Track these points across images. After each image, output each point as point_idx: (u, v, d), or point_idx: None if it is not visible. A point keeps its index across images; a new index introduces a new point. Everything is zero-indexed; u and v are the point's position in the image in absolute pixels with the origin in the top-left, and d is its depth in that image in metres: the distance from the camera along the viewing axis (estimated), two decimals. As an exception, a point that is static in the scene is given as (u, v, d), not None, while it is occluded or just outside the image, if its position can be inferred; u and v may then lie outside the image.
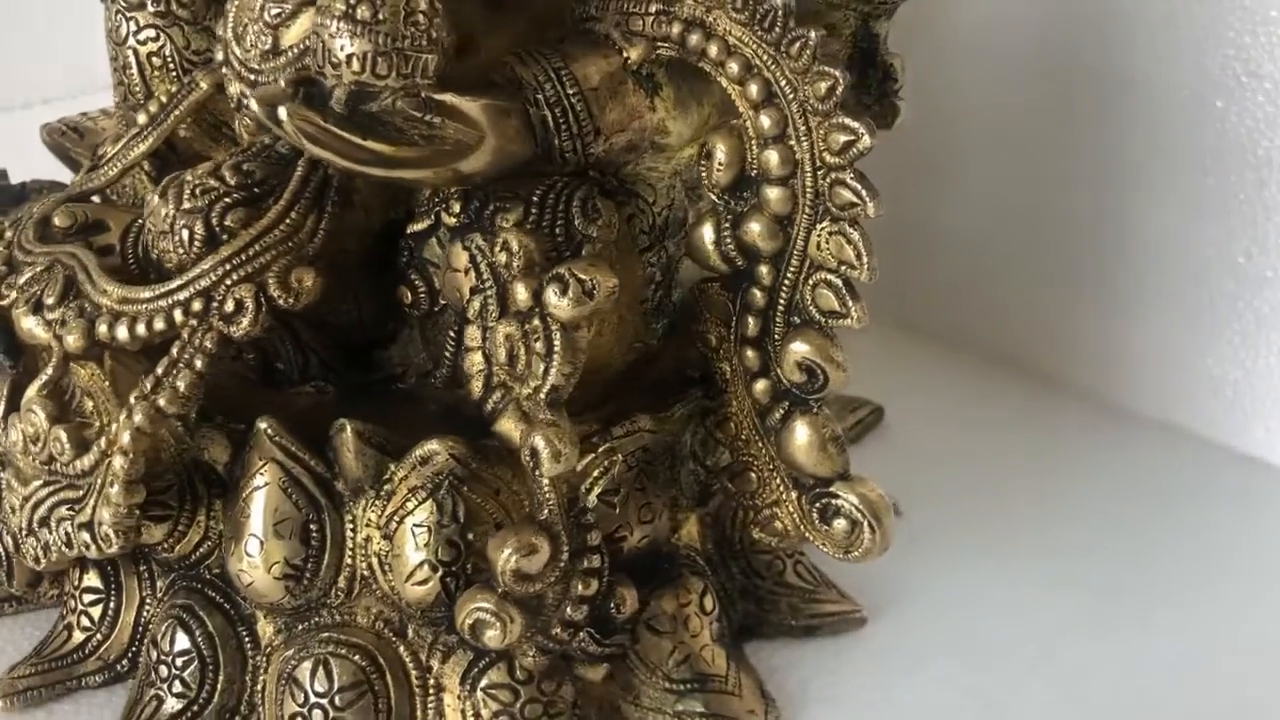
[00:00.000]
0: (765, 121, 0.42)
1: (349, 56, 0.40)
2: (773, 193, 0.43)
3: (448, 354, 0.46)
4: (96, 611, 0.50)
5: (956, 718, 0.50)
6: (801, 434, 0.45)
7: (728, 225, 0.44)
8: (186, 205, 0.45)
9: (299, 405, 0.50)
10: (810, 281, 0.43)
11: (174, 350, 0.44)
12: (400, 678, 0.46)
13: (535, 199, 0.44)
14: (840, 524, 0.45)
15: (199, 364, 0.43)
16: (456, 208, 0.45)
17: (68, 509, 0.46)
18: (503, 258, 0.42)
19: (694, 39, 0.43)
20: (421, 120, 0.41)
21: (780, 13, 0.41)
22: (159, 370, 0.44)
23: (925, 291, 0.74)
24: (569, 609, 0.44)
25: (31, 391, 0.47)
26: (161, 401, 0.43)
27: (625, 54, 0.44)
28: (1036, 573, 0.57)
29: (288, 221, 0.45)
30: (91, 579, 0.50)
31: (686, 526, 0.50)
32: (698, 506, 0.51)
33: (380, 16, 0.40)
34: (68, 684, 0.49)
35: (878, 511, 0.44)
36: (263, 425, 0.45)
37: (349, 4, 0.40)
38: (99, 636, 0.50)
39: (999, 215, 0.71)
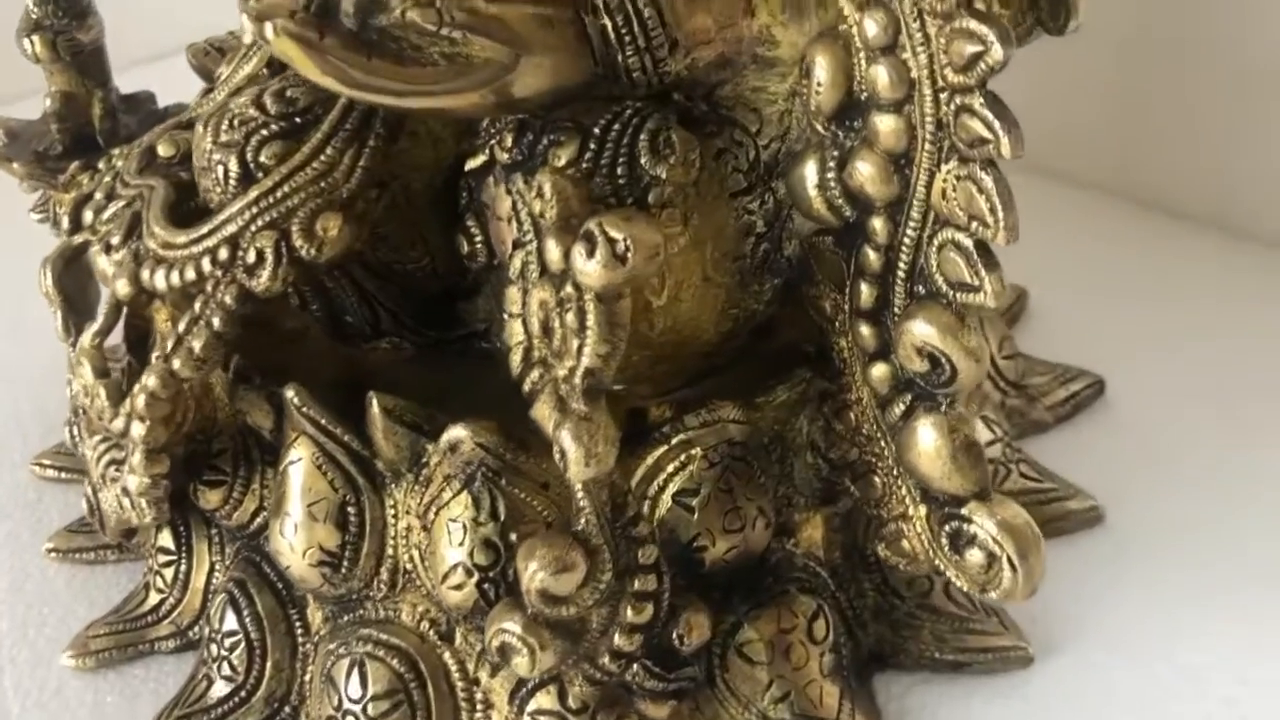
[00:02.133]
0: (872, 26, 0.31)
1: (349, -40, 0.33)
2: (884, 122, 0.32)
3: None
4: (169, 574, 0.47)
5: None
6: (926, 438, 0.34)
7: (833, 164, 0.34)
8: (224, 138, 0.40)
9: (369, 363, 0.45)
10: (935, 241, 0.33)
11: (196, 305, 0.39)
12: (443, 689, 0.40)
13: (597, 130, 0.35)
14: (974, 555, 0.35)
15: (216, 322, 0.38)
16: (509, 141, 0.37)
17: (115, 470, 0.43)
18: (537, 205, 0.34)
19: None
20: (439, 35, 0.33)
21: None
22: (180, 327, 0.39)
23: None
24: (618, 637, 0.36)
25: (84, 340, 0.43)
26: (176, 364, 0.38)
27: (713, -59, 0.34)
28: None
29: (321, 158, 0.39)
30: (165, 538, 0.47)
31: (807, 530, 0.41)
32: (822, 505, 0.41)
33: (385, -93, 0.32)
34: (140, 647, 0.46)
35: (1022, 546, 0.34)
36: (290, 394, 0.39)
37: (351, -105, 0.32)
38: (171, 600, 0.47)
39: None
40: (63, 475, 0.55)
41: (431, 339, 0.45)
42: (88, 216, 0.49)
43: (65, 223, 0.52)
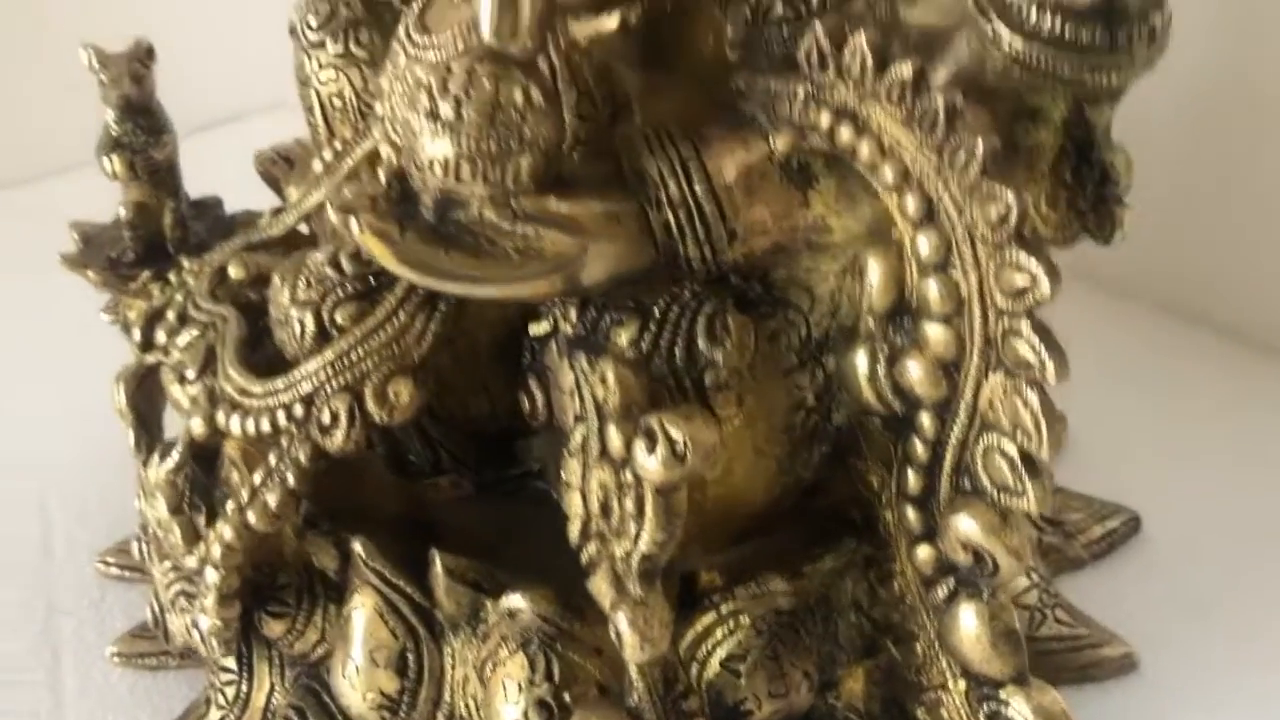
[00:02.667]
0: (925, 244, 0.33)
1: (431, 160, 0.35)
2: (934, 330, 0.34)
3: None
4: (230, 692, 0.48)
5: None
6: (968, 623, 0.36)
7: (884, 358, 0.36)
8: (301, 296, 0.42)
9: (430, 499, 0.46)
10: (981, 443, 0.34)
11: (271, 458, 0.41)
12: (494, 833, 0.41)
13: (657, 312, 0.37)
14: (1011, 736, 0.36)
15: (291, 479, 0.40)
16: (573, 314, 0.39)
17: (185, 601, 0.45)
18: (600, 391, 0.36)
19: (844, 134, 0.34)
20: (513, 231, 0.35)
21: (943, 114, 0.31)
22: (256, 478, 0.41)
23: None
24: (665, 800, 0.37)
25: (159, 474, 0.45)
26: (252, 518, 0.40)
27: (771, 141, 0.36)
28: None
29: (394, 323, 0.40)
30: (227, 659, 0.48)
31: (848, 683, 0.42)
32: (864, 658, 0.42)
33: (465, 115, 0.34)
34: (200, 762, 0.48)
35: (1058, 733, 0.35)
36: (357, 548, 0.41)
37: (433, 99, 0.34)
38: (232, 717, 0.48)
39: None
40: (126, 574, 0.57)
41: (490, 478, 0.46)
42: (160, 336, 0.51)
43: (137, 335, 0.54)
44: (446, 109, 0.34)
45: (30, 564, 0.58)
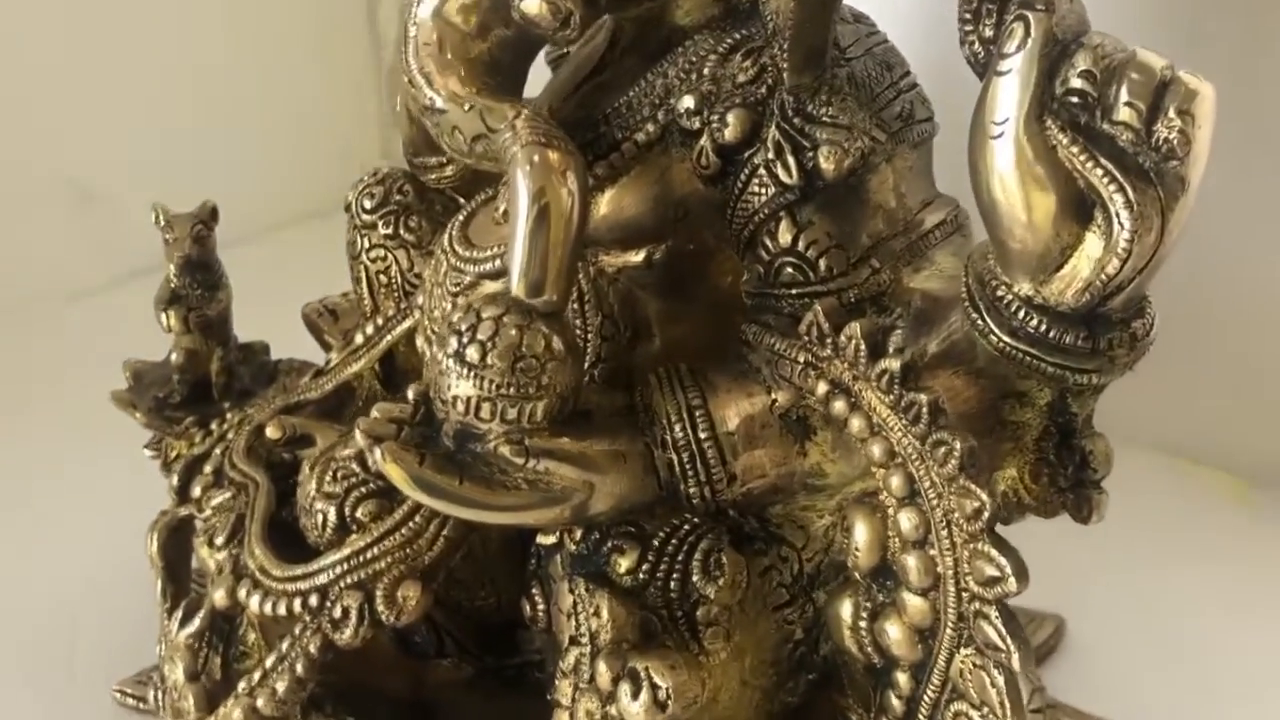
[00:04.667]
0: (905, 522, 0.35)
1: (454, 397, 0.37)
2: (912, 601, 0.36)
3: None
4: None
5: None
6: None
7: (866, 613, 0.38)
8: (326, 488, 0.45)
9: (431, 680, 0.48)
10: (951, 709, 0.36)
11: (283, 646, 0.43)
12: None
13: (656, 543, 0.39)
14: None
15: (300, 669, 0.42)
16: (579, 534, 0.41)
17: (193, 763, 0.47)
18: (594, 624, 0.38)
19: (838, 406, 0.36)
20: (524, 466, 0.38)
21: (926, 409, 0.33)
22: (268, 663, 0.43)
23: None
24: None
25: (179, 638, 0.48)
26: (259, 703, 0.42)
27: (773, 395, 0.39)
28: None
29: (410, 525, 0.43)
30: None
31: None
32: None
33: (489, 360, 0.37)
34: None
35: None
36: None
37: (461, 342, 0.37)
38: None
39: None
40: (141, 707, 0.59)
41: (491, 664, 0.48)
42: (196, 490, 0.54)
43: (175, 480, 0.57)
44: (473, 353, 0.37)
45: (52, 685, 0.61)
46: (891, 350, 0.37)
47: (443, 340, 0.38)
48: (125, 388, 0.63)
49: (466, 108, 0.39)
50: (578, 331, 0.43)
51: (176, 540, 0.55)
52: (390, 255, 0.57)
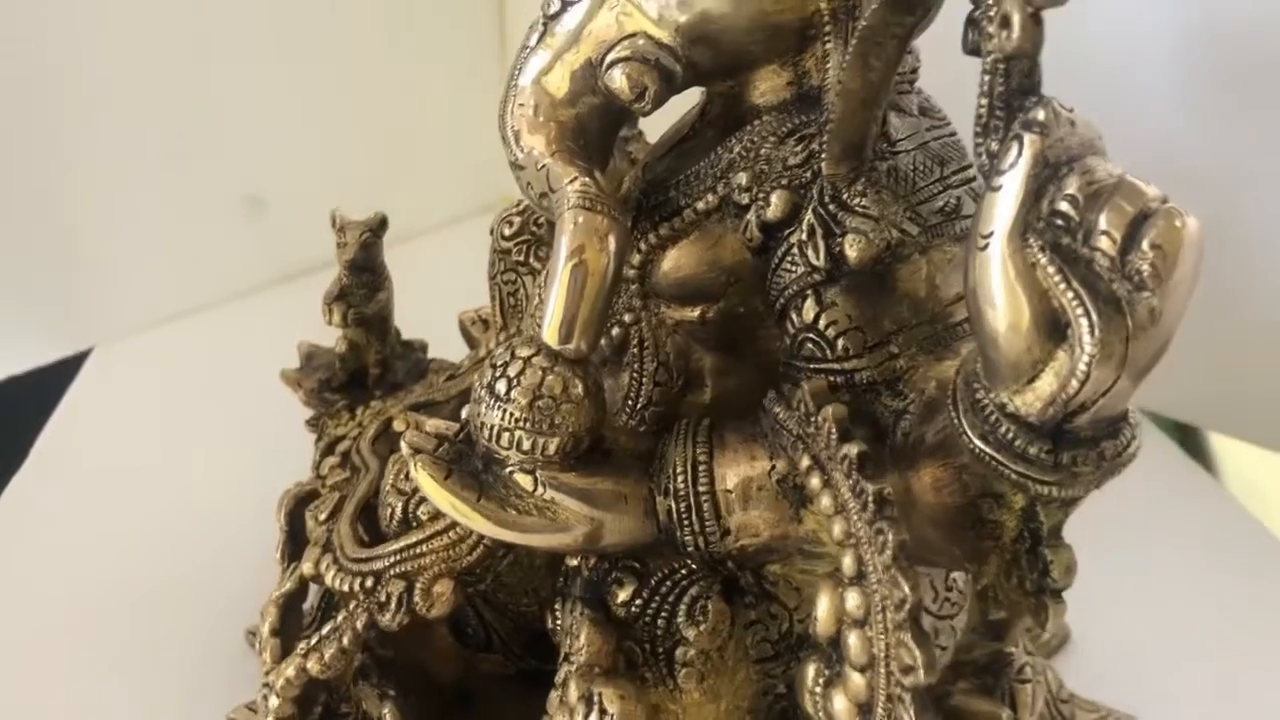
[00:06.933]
0: (850, 600, 0.37)
1: (482, 424, 0.42)
2: (853, 676, 0.37)
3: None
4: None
5: None
6: None
7: (824, 678, 0.40)
8: (399, 484, 0.50)
9: (480, 670, 0.53)
10: (879, 785, 0.37)
11: (339, 618, 0.49)
12: None
13: (654, 581, 0.43)
14: None
15: (346, 640, 0.48)
16: (592, 561, 0.45)
17: (264, 704, 0.53)
18: (575, 645, 0.42)
19: (814, 481, 0.39)
20: (535, 494, 0.42)
21: (871, 499, 0.35)
22: (323, 630, 0.49)
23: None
24: None
25: (275, 593, 0.55)
26: (309, 664, 0.48)
27: (774, 461, 0.41)
28: None
29: (456, 530, 0.48)
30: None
31: None
32: None
33: (512, 395, 0.41)
34: None
35: None
36: (386, 716, 0.48)
37: (494, 374, 0.42)
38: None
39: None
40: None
41: (532, 665, 0.53)
42: (325, 467, 0.61)
43: (316, 455, 0.65)
44: (501, 386, 0.41)
45: (197, 619, 0.69)
46: (897, 434, 0.38)
47: (483, 370, 0.42)
48: (296, 367, 0.72)
49: (539, 167, 0.44)
50: (633, 375, 0.47)
51: (302, 509, 0.62)
52: (519, 280, 0.62)
